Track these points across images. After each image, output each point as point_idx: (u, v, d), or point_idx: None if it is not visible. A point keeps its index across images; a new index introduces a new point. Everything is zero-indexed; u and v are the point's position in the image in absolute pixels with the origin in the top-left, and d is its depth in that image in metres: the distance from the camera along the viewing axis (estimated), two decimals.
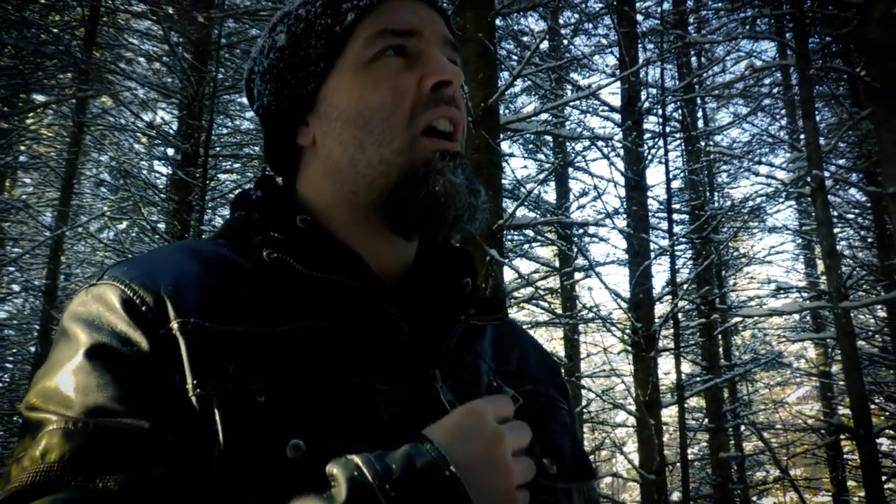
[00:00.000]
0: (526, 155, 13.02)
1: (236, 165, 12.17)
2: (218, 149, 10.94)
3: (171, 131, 10.19)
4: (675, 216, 11.72)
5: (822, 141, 7.63)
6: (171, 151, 10.53)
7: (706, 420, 12.19)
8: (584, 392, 11.04)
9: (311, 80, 1.00)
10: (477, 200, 0.98)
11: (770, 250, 13.51)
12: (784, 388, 16.16)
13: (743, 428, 13.58)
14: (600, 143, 9.32)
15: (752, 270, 14.92)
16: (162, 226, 9.57)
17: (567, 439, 1.07)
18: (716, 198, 13.31)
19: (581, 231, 11.59)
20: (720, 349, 12.73)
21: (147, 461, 0.73)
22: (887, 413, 11.27)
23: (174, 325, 0.80)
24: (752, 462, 14.60)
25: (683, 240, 11.61)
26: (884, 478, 7.21)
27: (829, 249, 6.67)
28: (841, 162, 11.00)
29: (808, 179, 6.93)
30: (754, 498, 14.72)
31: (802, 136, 11.50)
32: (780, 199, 12.15)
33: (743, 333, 15.41)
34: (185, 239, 8.09)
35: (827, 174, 7.56)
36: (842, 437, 10.51)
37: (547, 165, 12.70)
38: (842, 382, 13.61)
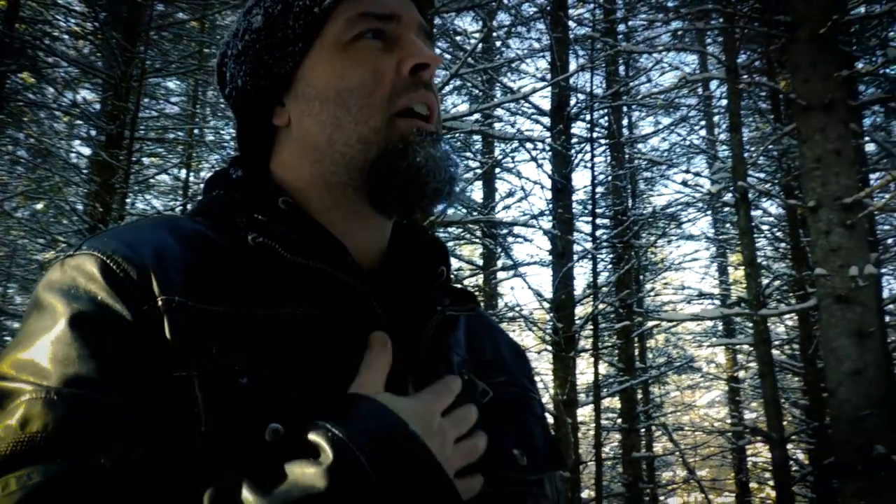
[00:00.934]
0: (455, 154, 13.03)
1: (160, 150, 11.92)
2: (143, 132, 10.67)
3: (93, 111, 9.87)
4: (599, 220, 11.92)
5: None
6: (93, 132, 10.21)
7: (620, 420, 12.44)
8: None
9: (289, 60, 1.00)
10: (456, 174, 0.98)
11: (685, 257, 13.87)
12: (694, 391, 16.59)
13: (654, 428, 13.91)
14: (529, 145, 9.41)
15: (667, 276, 15.28)
16: (80, 207, 9.28)
17: (539, 429, 1.07)
18: (637, 204, 13.57)
19: (506, 231, 11.67)
20: (636, 352, 13.01)
21: (131, 436, 0.71)
22: (791, 417, 11.68)
23: (159, 301, 0.79)
24: (661, 462, 14.98)
25: (605, 243, 11.82)
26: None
27: (750, 259, 6.85)
28: (760, 175, 11.35)
29: (732, 190, 7.12)
30: (662, 497, 15.11)
31: (723, 147, 11.88)
32: (702, 208, 12.49)
33: (657, 337, 15.77)
34: (105, 221, 7.88)
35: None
36: (752, 439, 10.86)
37: (473, 164, 12.76)
38: (748, 388, 14.14)
